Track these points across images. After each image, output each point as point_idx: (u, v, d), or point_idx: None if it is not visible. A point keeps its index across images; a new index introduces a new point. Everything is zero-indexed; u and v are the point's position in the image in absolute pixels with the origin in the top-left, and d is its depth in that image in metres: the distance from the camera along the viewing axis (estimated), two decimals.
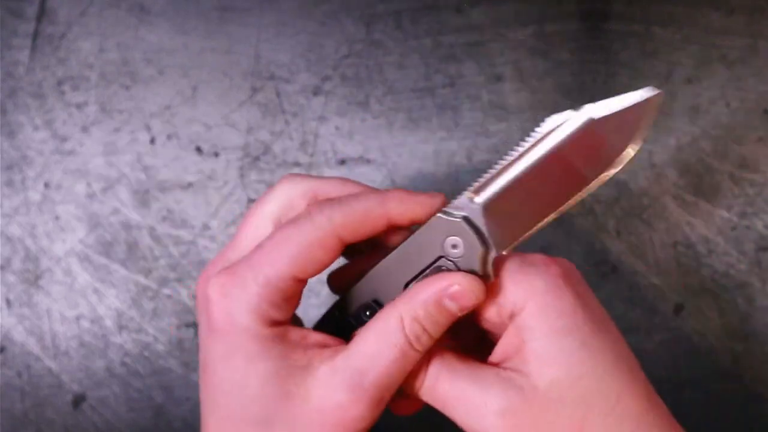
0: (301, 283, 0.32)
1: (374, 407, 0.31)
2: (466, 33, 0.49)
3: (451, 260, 0.32)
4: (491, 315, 0.32)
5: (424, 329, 0.31)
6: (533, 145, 0.31)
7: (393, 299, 0.32)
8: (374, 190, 0.33)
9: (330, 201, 0.32)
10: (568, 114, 0.30)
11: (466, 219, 0.32)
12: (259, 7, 0.49)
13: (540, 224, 0.31)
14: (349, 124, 0.49)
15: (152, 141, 0.49)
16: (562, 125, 0.30)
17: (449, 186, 0.48)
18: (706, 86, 0.48)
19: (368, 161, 0.49)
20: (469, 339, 0.36)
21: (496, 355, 0.32)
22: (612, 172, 0.30)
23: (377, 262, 0.33)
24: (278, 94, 0.49)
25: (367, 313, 0.34)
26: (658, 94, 0.29)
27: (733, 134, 0.48)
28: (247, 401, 0.31)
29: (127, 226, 0.49)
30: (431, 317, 0.31)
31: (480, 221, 0.31)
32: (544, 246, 0.48)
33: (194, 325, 0.48)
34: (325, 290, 0.45)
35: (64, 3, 0.49)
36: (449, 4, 0.49)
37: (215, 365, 0.32)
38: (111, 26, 0.49)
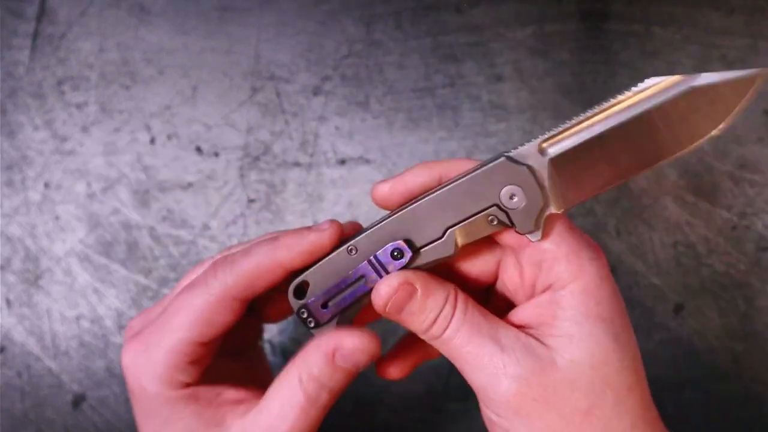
0: (205, 345, 0.33)
1: None
2: (466, 33, 0.49)
3: (504, 210, 0.30)
4: (524, 275, 0.32)
5: (323, 385, 0.32)
6: (621, 103, 0.29)
7: (429, 243, 0.31)
8: (267, 241, 0.33)
9: (224, 261, 0.33)
10: (670, 79, 0.28)
11: (531, 169, 0.30)
12: (259, 7, 0.49)
13: (605, 189, 0.30)
14: (349, 124, 0.49)
15: (152, 141, 0.49)
16: (660, 88, 0.29)
17: None
18: None
19: (368, 161, 0.49)
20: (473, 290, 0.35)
21: (519, 317, 0.32)
22: (689, 149, 0.29)
23: (417, 199, 0.31)
24: (278, 94, 0.49)
25: (396, 254, 0.31)
26: (763, 72, 0.28)
27: (733, 134, 0.48)
28: None
29: (127, 226, 0.49)
30: (327, 375, 0.32)
31: (545, 175, 0.30)
32: None
33: None
34: None
35: (64, 3, 0.49)
36: (449, 4, 0.49)
37: (140, 426, 0.33)
38: (111, 26, 0.49)
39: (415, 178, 0.32)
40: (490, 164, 0.30)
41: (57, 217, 0.49)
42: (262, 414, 0.32)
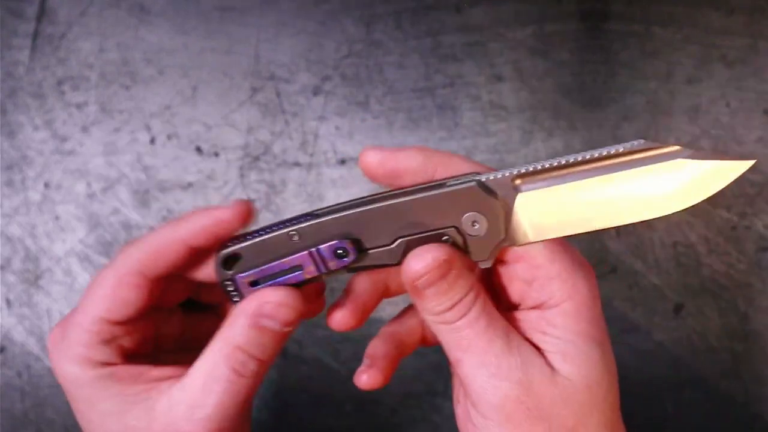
0: (118, 325, 0.32)
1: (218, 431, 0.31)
2: (466, 33, 0.49)
3: (462, 234, 0.30)
4: (511, 289, 0.32)
5: (250, 355, 0.31)
6: (604, 159, 0.29)
7: (376, 248, 0.30)
8: (175, 218, 0.33)
9: (132, 240, 0.32)
10: (663, 149, 0.28)
11: (500, 201, 0.29)
12: (259, 7, 0.49)
13: (568, 235, 0.30)
14: (349, 124, 0.49)
15: (152, 141, 0.49)
16: (649, 152, 0.28)
17: None
18: (706, 86, 0.48)
19: None
20: None
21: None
22: (662, 216, 0.29)
23: (368, 200, 0.30)
24: (278, 94, 0.49)
25: (340, 252, 0.30)
26: (750, 162, 0.27)
27: (733, 134, 0.48)
28: None
29: (127, 226, 0.49)
30: (254, 342, 0.31)
31: (512, 209, 0.29)
32: None
33: None
34: None
35: (64, 3, 0.49)
36: (449, 4, 0.49)
37: (75, 413, 0.33)
38: (111, 26, 0.49)
39: (408, 161, 0.31)
40: (460, 186, 0.29)
41: (57, 217, 0.49)
42: (188, 389, 0.31)
